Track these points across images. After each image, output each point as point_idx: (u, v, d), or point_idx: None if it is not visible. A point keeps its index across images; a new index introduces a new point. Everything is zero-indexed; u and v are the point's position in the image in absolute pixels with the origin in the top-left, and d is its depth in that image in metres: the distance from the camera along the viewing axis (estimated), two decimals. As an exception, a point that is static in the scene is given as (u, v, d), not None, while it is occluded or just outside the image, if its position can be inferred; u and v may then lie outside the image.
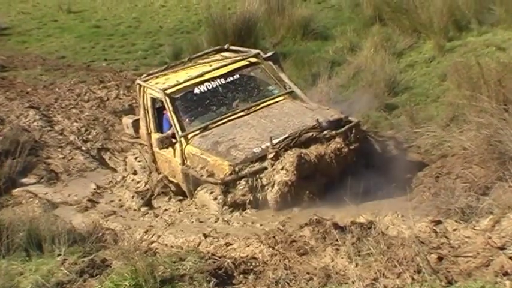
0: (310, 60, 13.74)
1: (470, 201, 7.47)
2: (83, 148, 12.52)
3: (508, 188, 7.30)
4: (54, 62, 16.00)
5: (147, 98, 10.77)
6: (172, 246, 8.40)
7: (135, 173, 11.27)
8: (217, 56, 11.42)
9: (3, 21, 18.55)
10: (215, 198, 9.38)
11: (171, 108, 10.22)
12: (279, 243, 7.20)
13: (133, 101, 13.51)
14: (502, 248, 5.91)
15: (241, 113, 10.22)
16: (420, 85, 12.24)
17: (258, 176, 9.18)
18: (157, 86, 10.64)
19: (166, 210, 10.04)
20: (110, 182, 11.41)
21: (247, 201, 9.24)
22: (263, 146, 9.39)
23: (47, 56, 16.38)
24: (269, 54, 11.03)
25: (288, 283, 6.24)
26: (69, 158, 12.18)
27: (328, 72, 12.75)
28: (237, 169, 9.26)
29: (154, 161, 10.87)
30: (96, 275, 6.76)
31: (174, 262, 6.66)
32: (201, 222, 9.24)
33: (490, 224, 6.40)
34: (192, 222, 9.31)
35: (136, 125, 11.35)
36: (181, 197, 10.24)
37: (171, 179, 10.51)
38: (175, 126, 10.12)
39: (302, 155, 9.04)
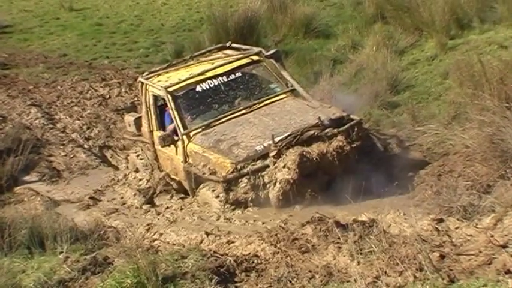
0: (312, 58, 13.75)
1: (473, 199, 7.46)
2: (85, 146, 12.53)
3: (510, 186, 7.30)
4: (56, 60, 16.01)
5: (149, 96, 10.77)
6: (174, 244, 8.42)
7: (137, 170, 11.27)
8: (219, 54, 11.41)
9: (5, 19, 18.57)
10: (217, 196, 9.37)
11: (173, 106, 10.22)
12: (281, 241, 7.20)
13: (135, 99, 13.53)
14: (504, 246, 5.91)
15: (243, 111, 10.21)
16: (422, 83, 12.25)
17: (260, 174, 9.18)
18: (159, 83, 10.64)
19: (168, 208, 10.04)
20: (112, 180, 11.41)
21: (249, 199, 9.23)
22: (265, 144, 9.39)
23: (49, 54, 16.39)
24: (271, 52, 11.03)
25: (290, 281, 6.24)
26: (71, 155, 12.20)
27: (330, 70, 12.76)
28: (239, 167, 9.26)
29: (156, 158, 10.87)
30: (98, 272, 6.77)
31: (176, 260, 6.66)
32: (203, 220, 9.24)
33: (492, 222, 6.39)
34: (194, 220, 9.31)
35: (138, 122, 11.35)
36: (183, 195, 10.23)
37: (173, 176, 10.51)
38: (177, 124, 10.12)
39: (304, 153, 9.04)
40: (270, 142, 9.24)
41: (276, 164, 9.08)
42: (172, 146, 10.22)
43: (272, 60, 10.92)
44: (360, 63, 13.08)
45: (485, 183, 7.99)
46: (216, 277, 6.32)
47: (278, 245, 7.14)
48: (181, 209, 9.86)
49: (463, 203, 7.39)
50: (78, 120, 13.26)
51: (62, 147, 12.41)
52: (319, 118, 9.43)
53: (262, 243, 7.31)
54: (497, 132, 8.29)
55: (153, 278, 6.17)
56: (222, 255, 7.03)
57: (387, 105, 11.66)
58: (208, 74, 10.57)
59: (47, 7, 19.63)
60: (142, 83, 10.94)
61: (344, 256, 6.49)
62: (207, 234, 8.32)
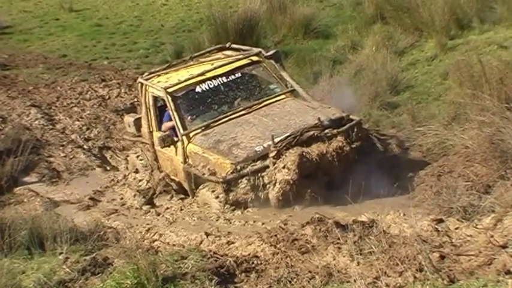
0: (311, 58, 13.75)
1: (472, 199, 7.47)
2: (85, 147, 12.51)
3: (510, 187, 7.30)
4: (55, 61, 16.00)
5: (149, 97, 10.77)
6: (174, 245, 8.41)
7: (136, 171, 11.27)
8: (219, 55, 11.41)
9: (5, 19, 18.55)
10: (217, 197, 9.38)
11: (172, 107, 10.22)
12: (280, 242, 7.20)
13: (135, 100, 13.52)
14: (504, 247, 5.91)
15: (243, 112, 10.21)
16: (422, 83, 12.25)
17: (259, 174, 9.18)
18: (159, 84, 10.64)
19: (168, 208, 10.04)
20: (111, 181, 11.41)
21: (249, 199, 9.24)
22: (265, 145, 9.39)
23: (49, 55, 16.38)
24: (271, 52, 11.03)
25: (289, 281, 6.24)
26: (71, 156, 12.18)
27: (329, 70, 12.75)
28: (238, 168, 9.26)
29: (156, 159, 10.87)
30: (98, 273, 6.78)
31: (176, 260, 6.66)
32: (202, 220, 9.25)
33: (492, 223, 6.40)
34: (194, 220, 9.32)
35: (138, 123, 11.35)
36: (183, 196, 10.24)
37: (172, 177, 10.52)
38: (177, 125, 10.12)
39: (304, 153, 9.04)
40: (270, 143, 9.24)
41: (276, 165, 9.09)
42: (172, 146, 10.22)
43: (272, 61, 10.92)
44: (359, 63, 13.08)
45: (485, 184, 7.99)
46: (216, 278, 6.33)
47: (278, 246, 7.14)
48: (181, 209, 9.86)
49: (462, 204, 7.40)
50: (78, 121, 13.25)
51: (61, 148, 12.40)
52: (318, 119, 9.43)
53: (262, 244, 7.31)
54: (497, 132, 8.29)
55: (153, 278, 6.17)
56: (221, 256, 7.03)
57: (387, 106, 11.66)
58: (208, 75, 10.57)
59: (47, 8, 19.62)
60: (142, 84, 10.94)
61: (344, 256, 6.49)
62: (207, 234, 8.32)
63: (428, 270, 5.74)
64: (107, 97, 14.09)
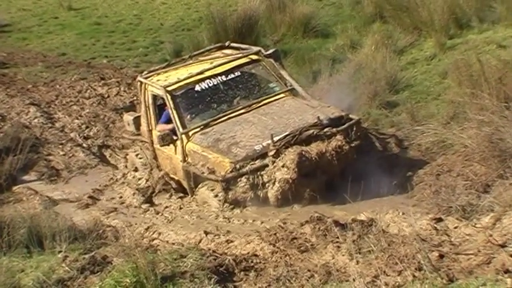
0: (311, 57, 13.74)
1: (471, 198, 7.48)
2: (84, 145, 12.51)
3: (509, 186, 7.31)
4: (54, 59, 16.00)
5: (148, 95, 10.77)
6: (173, 243, 8.41)
7: (136, 170, 11.26)
8: (218, 54, 11.41)
9: (4, 18, 18.56)
10: (216, 196, 9.38)
11: (172, 105, 10.22)
12: (279, 241, 7.20)
13: (134, 98, 13.51)
14: (503, 246, 5.91)
15: (242, 110, 10.21)
16: (421, 83, 12.25)
17: (258, 173, 9.18)
18: (159, 83, 10.64)
19: (167, 207, 10.03)
20: (110, 179, 11.40)
21: (248, 198, 9.24)
22: (264, 144, 9.39)
23: (48, 53, 16.39)
24: (270, 51, 11.03)
25: (288, 280, 6.24)
26: (70, 155, 12.17)
27: (329, 69, 12.74)
28: (237, 166, 9.25)
29: (155, 158, 10.87)
30: (97, 271, 6.77)
31: (175, 259, 6.66)
32: (201, 219, 9.25)
33: (491, 222, 6.40)
34: (193, 219, 9.32)
35: (137, 122, 11.35)
36: (182, 194, 10.23)
37: (172, 176, 10.52)
38: (176, 123, 10.12)
39: (303, 152, 9.04)
40: (269, 141, 9.25)
41: (275, 164, 9.09)
42: (171, 145, 10.22)
43: (271, 60, 10.92)
44: (358, 62, 13.06)
45: (484, 183, 8.00)
46: (215, 276, 6.33)
47: (277, 244, 7.15)
48: (180, 208, 9.86)
49: (461, 203, 7.40)
50: (77, 119, 13.24)
51: (60, 146, 12.39)
52: (318, 117, 9.43)
53: (261, 243, 7.31)
54: (496, 131, 8.30)
55: (152, 277, 6.17)
56: (221, 255, 7.04)
57: (386, 105, 11.65)
58: (207, 74, 10.57)
59: (46, 6, 19.62)
60: (141, 82, 10.94)
61: (343, 255, 6.50)
62: (206, 233, 8.32)
63: (427, 269, 5.74)
64: (106, 95, 14.09)
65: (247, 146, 9.48)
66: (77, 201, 10.70)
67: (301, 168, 8.97)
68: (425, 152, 9.95)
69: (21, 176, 11.44)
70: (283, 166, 9.01)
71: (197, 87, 10.46)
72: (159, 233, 8.95)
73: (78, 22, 18.25)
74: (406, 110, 11.21)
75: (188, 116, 10.25)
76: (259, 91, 10.63)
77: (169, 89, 10.36)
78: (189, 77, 10.54)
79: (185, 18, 17.78)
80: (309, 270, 6.39)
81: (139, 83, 11.07)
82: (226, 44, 11.70)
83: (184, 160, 9.97)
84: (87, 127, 13.02)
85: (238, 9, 15.21)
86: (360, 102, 11.59)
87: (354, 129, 9.49)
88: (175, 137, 10.12)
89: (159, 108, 10.75)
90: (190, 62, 11.28)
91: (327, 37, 15.02)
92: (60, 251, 7.33)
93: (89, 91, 14.23)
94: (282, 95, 10.48)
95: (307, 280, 6.21)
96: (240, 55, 10.95)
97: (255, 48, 11.11)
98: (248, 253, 7.23)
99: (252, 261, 6.84)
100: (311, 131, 9.26)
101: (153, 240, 8.77)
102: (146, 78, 10.98)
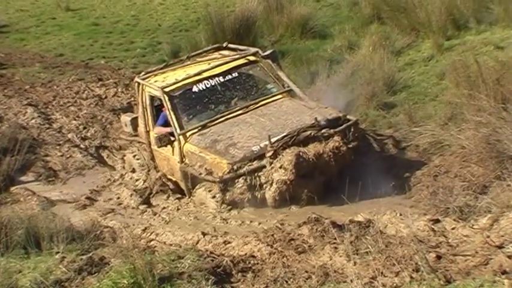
0: (308, 58, 13.75)
1: (469, 200, 7.48)
2: (82, 146, 12.51)
3: (507, 187, 7.30)
4: (52, 60, 16.00)
5: (146, 96, 10.77)
6: (170, 244, 8.41)
7: (133, 171, 11.26)
8: (216, 54, 11.41)
9: (2, 18, 18.56)
10: (213, 197, 9.38)
11: (169, 106, 10.22)
12: (277, 242, 7.20)
13: (132, 99, 13.51)
14: (500, 247, 5.91)
15: (240, 111, 10.21)
16: (418, 84, 12.26)
17: (256, 174, 9.18)
18: (156, 84, 10.63)
19: (164, 208, 10.04)
20: (108, 180, 11.40)
21: (246, 199, 9.24)
22: (261, 145, 9.38)
23: (46, 54, 16.39)
24: (268, 52, 11.04)
25: (286, 281, 6.24)
26: (68, 155, 12.17)
27: (326, 70, 12.75)
28: (235, 167, 9.25)
29: (153, 159, 10.87)
30: (95, 272, 6.76)
31: (173, 260, 6.66)
32: (199, 220, 9.25)
33: (489, 223, 6.40)
34: (191, 220, 9.31)
35: (134, 123, 11.34)
36: (179, 195, 10.23)
37: (169, 177, 10.51)
38: (173, 124, 10.12)
39: (300, 153, 9.03)
40: (267, 142, 9.24)
41: (273, 165, 9.09)
42: (168, 146, 10.22)
43: (269, 61, 10.92)
44: (356, 63, 13.07)
45: (482, 184, 8.00)
46: (213, 277, 6.32)
47: (274, 246, 7.15)
48: (178, 209, 9.86)
49: (459, 204, 7.41)
50: (75, 120, 13.25)
51: (58, 147, 12.39)
52: (315, 118, 9.43)
53: (258, 244, 7.31)
54: (494, 133, 8.30)
55: (149, 278, 6.16)
56: (218, 256, 7.03)
57: (383, 106, 11.66)
58: (205, 74, 10.57)
59: (44, 7, 19.62)
60: (139, 83, 10.93)
61: (340, 256, 6.50)
62: (204, 234, 8.31)
63: (424, 271, 5.74)
64: (104, 96, 14.09)
65: (245, 147, 9.48)
66: (75, 202, 10.70)
67: (298, 169, 8.96)
68: (422, 153, 9.95)
69: (18, 176, 11.44)
70: (280, 167, 9.01)
71: (195, 88, 10.46)
72: (157, 234, 8.94)
73: (75, 23, 18.24)
74: (404, 111, 11.21)
75: (186, 117, 10.25)
76: (256, 92, 10.63)
77: (166, 90, 10.35)
78: (186, 78, 10.53)
79: (183, 19, 17.78)
80: (306, 272, 6.39)
81: (136, 84, 11.07)
82: (224, 45, 11.69)
83: (181, 161, 9.96)
84: (84, 128, 13.02)
85: (236, 10, 15.22)
86: (358, 103, 11.60)
87: (352, 130, 9.49)
88: (172, 138, 10.12)
89: (157, 109, 10.75)
90: (188, 63, 11.28)
91: (325, 38, 15.03)
92: (57, 252, 7.32)
93: (86, 92, 14.23)
94: (279, 96, 10.48)
95: (305, 281, 6.21)
96: (238, 56, 10.94)
97: (253, 49, 11.11)
98: (246, 254, 7.23)
99: (249, 262, 6.84)
100: (309, 132, 9.26)
101: (151, 241, 8.76)
102: (144, 79, 10.97)
